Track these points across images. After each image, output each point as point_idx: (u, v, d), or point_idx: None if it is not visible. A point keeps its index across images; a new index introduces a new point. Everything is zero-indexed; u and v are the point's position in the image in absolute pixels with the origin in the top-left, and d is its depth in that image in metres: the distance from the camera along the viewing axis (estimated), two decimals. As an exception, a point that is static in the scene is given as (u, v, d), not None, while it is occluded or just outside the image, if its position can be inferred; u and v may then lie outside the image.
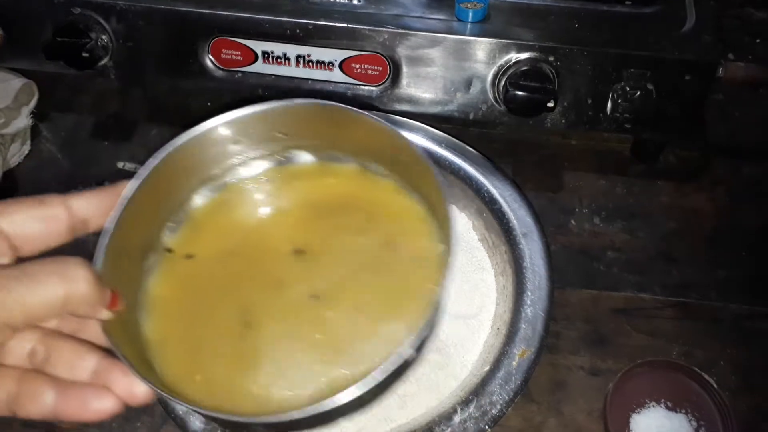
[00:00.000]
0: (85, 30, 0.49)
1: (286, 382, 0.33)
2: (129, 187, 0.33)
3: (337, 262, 0.37)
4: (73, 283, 0.27)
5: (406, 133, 0.43)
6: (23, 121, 0.54)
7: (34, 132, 0.55)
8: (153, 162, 0.34)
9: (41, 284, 0.27)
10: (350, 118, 0.36)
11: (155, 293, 0.36)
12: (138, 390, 0.29)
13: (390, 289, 0.35)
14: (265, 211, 0.40)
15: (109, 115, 0.57)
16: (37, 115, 0.55)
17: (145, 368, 0.32)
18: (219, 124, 0.37)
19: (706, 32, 0.48)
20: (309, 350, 0.34)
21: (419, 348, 0.31)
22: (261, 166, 0.40)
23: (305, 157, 0.41)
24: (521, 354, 0.37)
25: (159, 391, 0.29)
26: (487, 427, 0.37)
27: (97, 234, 0.32)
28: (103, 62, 0.51)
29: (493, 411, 0.37)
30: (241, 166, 0.40)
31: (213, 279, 0.37)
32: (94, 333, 0.31)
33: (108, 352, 0.29)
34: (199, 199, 0.39)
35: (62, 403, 0.28)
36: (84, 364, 0.29)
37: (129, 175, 0.54)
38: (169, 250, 0.37)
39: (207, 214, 0.39)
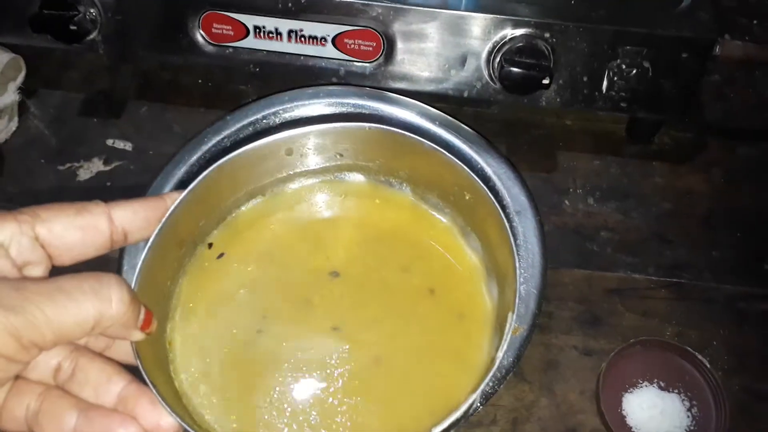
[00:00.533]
0: (73, 2, 0.48)
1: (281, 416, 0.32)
2: (177, 200, 0.32)
3: (371, 296, 0.36)
4: (107, 303, 0.26)
5: (406, 114, 0.42)
6: (10, 96, 0.53)
7: (22, 108, 0.54)
8: (203, 174, 0.34)
9: (75, 303, 0.25)
10: (414, 148, 0.35)
11: (186, 300, 0.35)
12: (165, 423, 0.27)
13: (422, 345, 0.34)
14: (308, 222, 0.39)
15: (99, 91, 0.56)
16: (25, 91, 0.54)
17: (171, 395, 0.31)
18: (276, 140, 0.36)
19: (703, 9, 0.47)
20: (310, 384, 0.33)
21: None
22: (312, 181, 0.40)
23: (358, 178, 0.40)
24: (514, 331, 0.37)
25: (188, 428, 0.28)
26: (478, 404, 0.37)
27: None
28: (91, 36, 0.50)
29: (484, 388, 0.37)
30: (291, 181, 0.39)
31: (244, 284, 0.36)
32: (124, 352, 0.29)
33: (136, 373, 0.28)
34: (243, 208, 0.39)
35: (84, 428, 0.26)
36: (111, 388, 0.27)
37: (119, 153, 0.53)
38: (211, 248, 0.37)
39: (249, 221, 0.38)
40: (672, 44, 0.46)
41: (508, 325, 0.31)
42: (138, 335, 0.28)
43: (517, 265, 0.32)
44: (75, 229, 0.28)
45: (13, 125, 0.54)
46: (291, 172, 0.39)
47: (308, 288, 0.36)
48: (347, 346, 0.34)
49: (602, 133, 0.54)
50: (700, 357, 0.42)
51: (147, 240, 0.31)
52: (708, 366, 0.42)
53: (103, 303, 0.26)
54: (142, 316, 0.28)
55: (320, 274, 0.36)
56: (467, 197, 0.36)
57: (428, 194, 0.39)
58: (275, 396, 0.33)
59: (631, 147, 0.54)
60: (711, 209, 0.50)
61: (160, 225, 0.31)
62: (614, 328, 0.45)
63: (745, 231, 0.49)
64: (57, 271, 0.27)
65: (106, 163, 0.52)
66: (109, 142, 0.53)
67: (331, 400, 0.32)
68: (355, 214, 0.39)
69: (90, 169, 0.51)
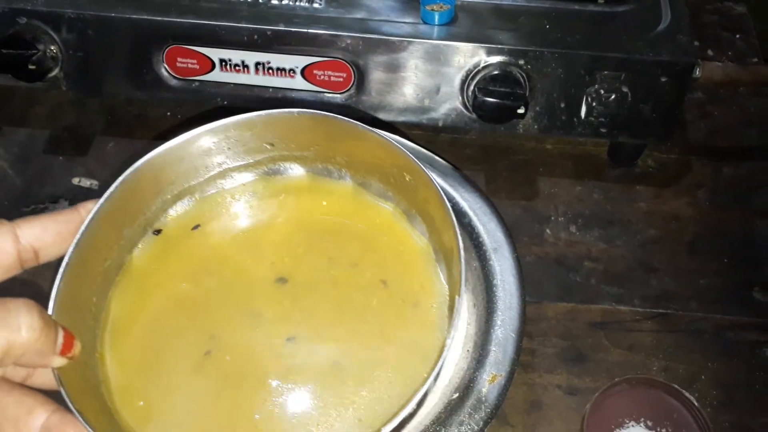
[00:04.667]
0: (32, 41, 0.47)
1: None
2: (92, 210, 0.30)
3: (323, 298, 0.34)
4: (15, 331, 0.24)
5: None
6: (-28, 136, 0.51)
7: (-15, 148, 0.53)
8: (119, 179, 0.31)
9: None
10: (349, 132, 0.34)
11: (118, 317, 0.33)
12: None
13: (379, 340, 0.32)
14: (246, 228, 0.37)
15: (64, 127, 0.55)
16: (-12, 129, 0.53)
17: (104, 419, 0.29)
18: (195, 136, 0.34)
19: (682, 32, 0.46)
20: (265, 400, 0.31)
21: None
22: (244, 178, 0.37)
23: (295, 170, 0.38)
24: (491, 379, 0.35)
25: None
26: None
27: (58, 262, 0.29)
28: (53, 74, 0.48)
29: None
30: (221, 178, 0.37)
31: (182, 301, 0.34)
32: (48, 378, 0.27)
33: (62, 401, 0.26)
34: (172, 213, 0.36)
35: None
36: (32, 421, 0.26)
37: (85, 192, 0.52)
38: (136, 268, 0.35)
39: (179, 229, 0.36)
40: (650, 68, 0.44)
41: (455, 311, 0.30)
42: (58, 361, 0.26)
43: (461, 245, 0.30)
44: None
45: (-23, 166, 0.52)
46: (220, 169, 0.36)
47: (256, 299, 0.34)
48: (304, 356, 0.32)
49: (584, 157, 0.53)
50: (687, 394, 0.40)
51: (63, 256, 0.29)
52: (696, 404, 0.40)
53: (11, 331, 0.24)
54: (60, 340, 0.26)
55: (266, 283, 0.34)
56: (407, 178, 0.34)
57: (370, 179, 0.37)
58: (233, 417, 0.31)
59: (613, 171, 0.52)
60: (697, 234, 0.49)
61: (76, 239, 0.29)
62: (599, 364, 0.43)
63: (732, 257, 0.48)
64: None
65: (71, 204, 0.50)
66: (75, 180, 0.51)
67: (291, 412, 0.31)
68: (296, 213, 0.37)
69: (56, 210, 0.50)
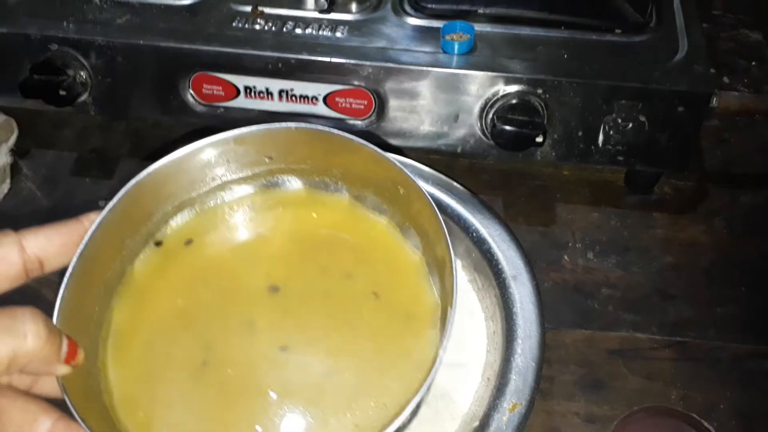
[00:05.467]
0: (63, 67, 0.48)
1: None
2: (95, 221, 0.31)
3: (315, 309, 0.35)
4: (21, 339, 0.24)
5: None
6: (2, 159, 0.53)
7: (14, 170, 0.54)
8: (122, 191, 0.32)
9: None
10: (344, 145, 0.34)
11: (119, 327, 0.34)
12: None
13: (371, 350, 0.33)
14: (242, 239, 0.38)
15: (91, 149, 0.56)
16: (17, 151, 0.54)
17: (107, 427, 0.30)
18: (197, 149, 0.34)
19: (699, 62, 0.46)
20: (263, 410, 0.31)
21: None
22: (243, 190, 0.38)
23: (293, 183, 0.39)
24: (512, 408, 0.36)
25: None
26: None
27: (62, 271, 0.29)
28: (82, 99, 0.50)
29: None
30: (221, 190, 0.38)
31: (179, 312, 0.35)
32: (52, 386, 0.28)
33: (66, 408, 0.27)
34: (172, 224, 0.37)
35: None
36: (37, 428, 0.26)
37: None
38: (137, 278, 0.35)
39: (178, 240, 0.37)
40: (667, 98, 0.45)
41: (447, 322, 0.30)
42: (62, 369, 0.26)
43: (453, 256, 0.31)
44: None
45: (6, 187, 0.53)
46: (220, 182, 0.37)
47: (250, 309, 0.34)
48: (297, 366, 0.32)
49: (601, 184, 0.53)
50: (706, 424, 0.40)
51: (67, 266, 0.29)
52: (715, 433, 0.40)
53: (17, 339, 0.24)
54: (64, 348, 0.26)
55: (260, 292, 0.35)
56: (401, 191, 0.35)
57: (365, 192, 0.37)
58: (228, 427, 0.31)
59: (630, 197, 0.53)
60: (714, 262, 0.49)
61: (79, 249, 0.29)
62: (618, 392, 0.43)
63: (750, 285, 0.48)
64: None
65: (97, 225, 0.51)
66: (101, 203, 0.52)
67: (287, 422, 0.31)
68: (293, 225, 0.38)
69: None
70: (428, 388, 0.29)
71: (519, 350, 0.38)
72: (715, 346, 0.45)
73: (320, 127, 0.34)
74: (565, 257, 0.49)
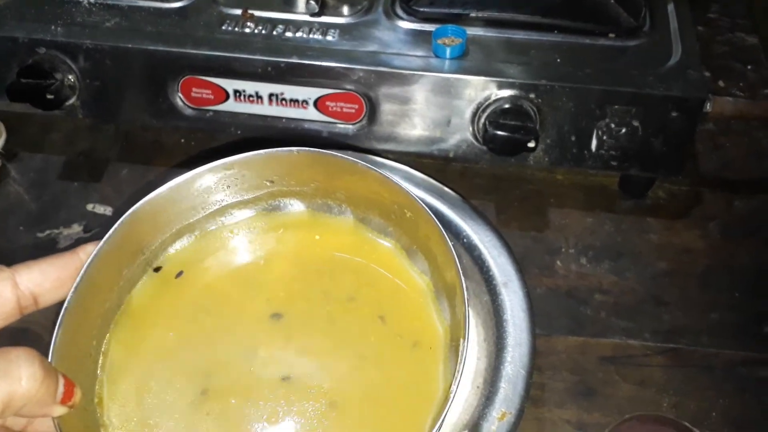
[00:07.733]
0: (50, 70, 0.47)
1: None
2: (92, 253, 0.29)
3: (318, 334, 0.34)
4: (16, 382, 0.23)
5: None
6: (-11, 162, 0.52)
7: (2, 173, 0.54)
8: (119, 221, 0.31)
9: None
10: (347, 169, 0.34)
11: (116, 358, 0.33)
12: None
13: (378, 380, 0.32)
14: (243, 263, 0.37)
15: (80, 153, 0.55)
16: (5, 155, 0.54)
17: None
18: (195, 176, 0.34)
19: (693, 67, 0.46)
20: None
21: None
22: (243, 214, 0.37)
23: (296, 206, 0.38)
24: (501, 417, 0.35)
25: None
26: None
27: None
28: (70, 102, 0.49)
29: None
30: (221, 215, 0.37)
31: (178, 340, 0.34)
32: (48, 426, 0.27)
33: None
34: (171, 250, 0.36)
35: None
36: None
37: (98, 218, 0.52)
38: (135, 307, 0.35)
39: (177, 267, 0.36)
40: (661, 103, 0.45)
41: (460, 354, 0.29)
42: (58, 410, 0.26)
43: (464, 285, 0.30)
44: None
45: (-7, 191, 0.53)
46: (220, 206, 0.36)
47: (251, 337, 0.33)
48: (300, 397, 0.32)
49: (594, 188, 0.53)
50: (699, 432, 0.40)
51: (62, 301, 0.28)
52: (708, 442, 0.40)
53: (12, 383, 0.23)
54: (61, 388, 0.25)
55: (261, 319, 0.34)
56: (408, 215, 0.34)
57: (370, 215, 0.36)
58: None
59: (624, 202, 0.52)
60: (708, 267, 0.49)
61: (75, 283, 0.28)
62: (609, 399, 0.43)
63: (744, 291, 0.47)
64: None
65: (86, 229, 0.51)
66: (89, 206, 0.52)
67: None
68: (294, 249, 0.37)
69: (69, 236, 0.50)
70: (439, 429, 0.27)
71: (509, 358, 0.37)
72: (708, 353, 0.45)
73: (323, 151, 0.33)
74: (558, 262, 0.49)
